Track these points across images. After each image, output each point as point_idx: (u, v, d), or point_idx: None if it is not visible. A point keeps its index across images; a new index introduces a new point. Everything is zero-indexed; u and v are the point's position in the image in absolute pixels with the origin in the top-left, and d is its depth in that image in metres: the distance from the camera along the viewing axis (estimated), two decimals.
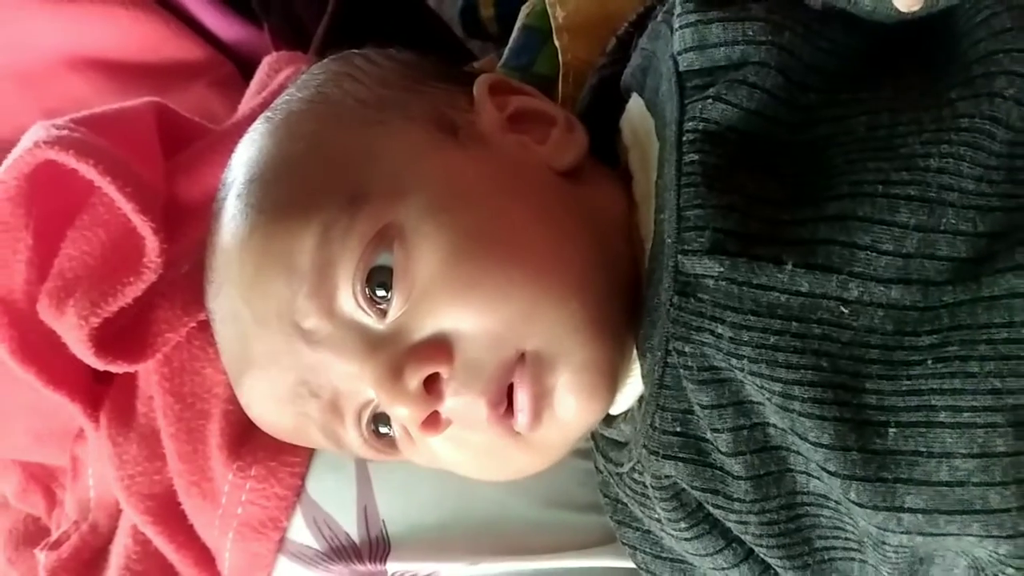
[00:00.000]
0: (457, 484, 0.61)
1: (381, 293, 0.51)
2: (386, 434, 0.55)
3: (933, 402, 0.44)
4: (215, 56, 0.89)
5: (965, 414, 0.44)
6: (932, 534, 0.45)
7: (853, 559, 0.51)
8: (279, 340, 0.53)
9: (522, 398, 0.51)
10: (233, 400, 0.66)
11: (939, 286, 0.45)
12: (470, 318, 0.50)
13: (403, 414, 0.51)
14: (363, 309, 0.51)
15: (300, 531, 0.66)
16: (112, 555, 0.72)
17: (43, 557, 0.72)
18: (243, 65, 0.88)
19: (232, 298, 0.55)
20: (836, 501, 0.48)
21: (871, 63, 0.50)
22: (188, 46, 0.88)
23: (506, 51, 0.67)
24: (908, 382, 0.45)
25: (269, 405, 0.56)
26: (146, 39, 0.88)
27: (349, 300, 0.51)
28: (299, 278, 0.51)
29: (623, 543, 0.61)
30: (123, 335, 0.64)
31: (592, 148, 0.58)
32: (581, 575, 0.64)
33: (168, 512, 0.68)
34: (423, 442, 0.54)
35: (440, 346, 0.50)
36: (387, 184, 0.52)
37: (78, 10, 0.87)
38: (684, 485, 0.52)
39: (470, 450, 0.54)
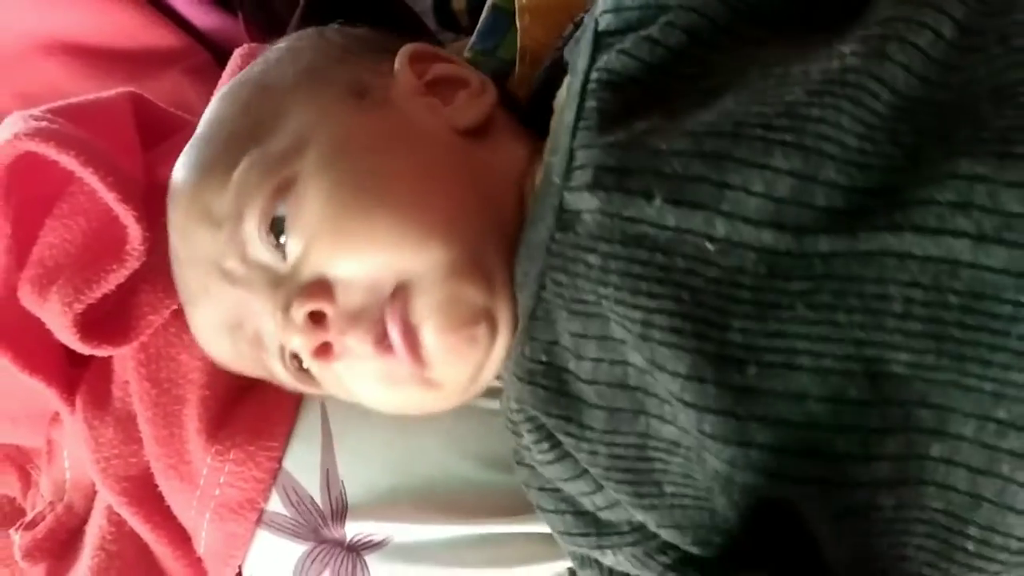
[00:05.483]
0: (403, 446, 0.65)
1: (283, 240, 0.55)
2: (308, 369, 0.59)
3: (797, 346, 0.46)
4: (190, 44, 0.89)
5: (826, 360, 0.45)
6: (778, 475, 0.47)
7: (703, 508, 0.52)
8: (205, 278, 0.58)
9: (392, 334, 0.54)
10: (209, 386, 0.68)
11: (814, 235, 0.46)
12: (345, 262, 0.54)
13: (295, 343, 0.56)
14: (268, 252, 0.56)
15: (275, 504, 0.68)
16: (87, 535, 0.73)
17: (18, 537, 0.74)
18: (218, 53, 0.89)
19: (173, 240, 0.61)
20: (687, 447, 0.49)
21: (782, 27, 0.51)
22: (163, 33, 0.89)
23: (475, 32, 0.69)
24: (776, 324, 0.46)
25: (210, 336, 0.61)
26: (121, 25, 0.88)
27: (257, 244, 0.56)
28: (217, 226, 0.57)
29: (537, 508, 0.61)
30: (107, 320, 0.66)
31: (541, 125, 0.59)
32: (524, 540, 0.66)
33: (144, 493, 0.70)
34: (333, 375, 0.57)
35: (323, 287, 0.54)
36: (291, 141, 0.56)
37: None
38: (538, 412, 0.54)
39: (374, 382, 0.57)
